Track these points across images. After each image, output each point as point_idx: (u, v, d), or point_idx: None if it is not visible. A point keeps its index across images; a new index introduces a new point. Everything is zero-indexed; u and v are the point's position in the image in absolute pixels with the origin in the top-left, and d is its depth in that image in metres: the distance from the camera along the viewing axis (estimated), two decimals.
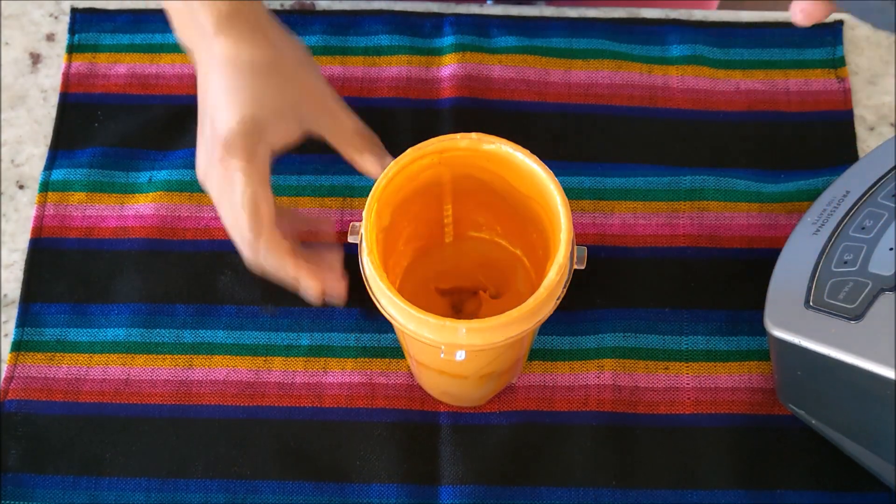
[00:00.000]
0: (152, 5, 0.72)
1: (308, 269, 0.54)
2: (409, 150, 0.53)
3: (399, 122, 0.68)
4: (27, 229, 0.65)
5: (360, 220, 0.51)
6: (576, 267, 0.51)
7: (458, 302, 0.60)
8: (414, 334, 0.49)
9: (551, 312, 0.50)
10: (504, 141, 0.52)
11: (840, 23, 0.71)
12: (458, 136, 0.53)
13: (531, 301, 0.48)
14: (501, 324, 0.48)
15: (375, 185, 0.51)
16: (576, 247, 0.51)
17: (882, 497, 0.58)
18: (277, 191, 0.66)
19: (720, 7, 0.81)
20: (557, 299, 0.50)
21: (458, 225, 0.60)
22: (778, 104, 0.69)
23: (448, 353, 0.50)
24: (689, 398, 0.60)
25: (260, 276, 0.63)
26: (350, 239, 0.52)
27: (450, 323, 0.48)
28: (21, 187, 0.67)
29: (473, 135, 0.53)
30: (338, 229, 0.65)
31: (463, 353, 0.49)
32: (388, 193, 0.52)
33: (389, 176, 0.52)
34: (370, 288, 0.51)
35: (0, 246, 0.65)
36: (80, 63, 0.70)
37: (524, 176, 0.53)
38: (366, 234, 0.50)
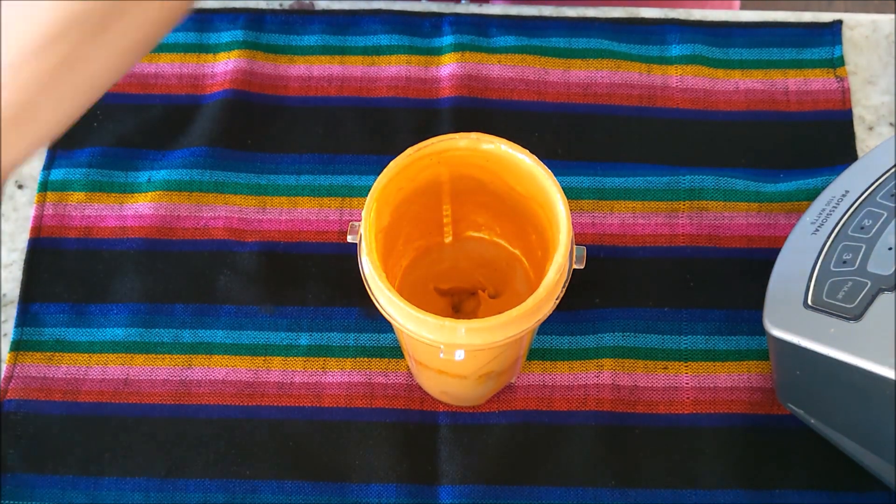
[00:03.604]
0: None
1: None
2: (408, 150, 0.53)
3: (398, 121, 0.68)
4: (26, 229, 0.65)
5: (360, 220, 0.51)
6: (575, 267, 0.51)
7: (457, 302, 0.60)
8: (413, 334, 0.49)
9: (550, 312, 0.50)
10: (503, 141, 0.52)
11: (839, 22, 0.71)
12: (458, 135, 0.53)
13: (530, 301, 0.48)
14: (500, 323, 0.48)
15: (374, 184, 0.51)
16: (575, 246, 0.51)
17: (882, 497, 0.58)
18: (276, 191, 0.66)
19: (719, 7, 0.80)
20: (556, 299, 0.50)
21: (457, 225, 0.60)
22: (777, 104, 0.69)
23: (447, 352, 0.50)
24: (688, 398, 0.60)
25: (259, 276, 0.63)
26: (349, 239, 0.52)
27: (449, 323, 0.48)
28: (20, 187, 0.67)
29: (472, 135, 0.53)
30: (336, 229, 0.65)
31: (462, 352, 0.49)
32: (388, 193, 0.52)
33: (389, 176, 0.52)
34: (369, 288, 0.51)
35: None
36: None
37: (523, 176, 0.53)
38: (365, 234, 0.50)
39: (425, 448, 0.59)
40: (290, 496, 0.58)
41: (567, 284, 0.50)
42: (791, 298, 0.54)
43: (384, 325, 0.62)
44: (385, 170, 0.52)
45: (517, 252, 0.59)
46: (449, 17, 0.72)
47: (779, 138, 0.68)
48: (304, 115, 0.69)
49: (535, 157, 0.52)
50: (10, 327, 0.63)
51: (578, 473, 0.58)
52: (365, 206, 0.51)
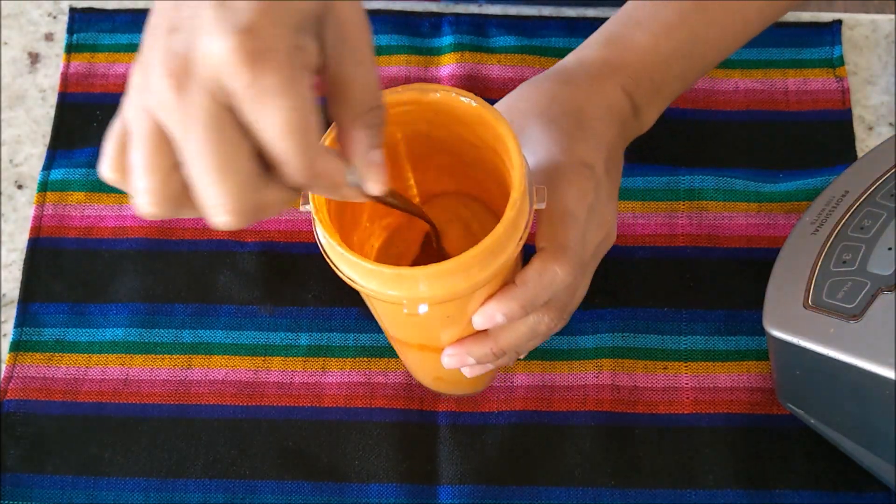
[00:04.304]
0: (151, 5, 0.72)
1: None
2: None
3: None
4: (26, 229, 0.65)
5: None
6: (536, 207, 0.48)
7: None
8: (374, 293, 0.45)
9: (515, 254, 0.47)
10: (448, 87, 0.48)
11: (839, 22, 0.71)
12: (400, 88, 0.48)
13: (488, 239, 0.44)
14: (460, 265, 0.44)
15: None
16: (535, 187, 0.48)
17: (881, 497, 0.58)
18: None
19: None
20: (520, 240, 0.46)
21: (423, 193, 0.57)
22: (777, 104, 0.69)
23: (411, 307, 0.46)
24: (687, 398, 0.60)
25: (259, 276, 0.63)
26: (301, 208, 0.46)
27: (406, 271, 0.44)
28: (20, 187, 0.67)
29: (415, 85, 0.48)
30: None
31: (425, 306, 0.46)
32: None
33: (332, 138, 0.46)
34: (326, 255, 0.47)
35: None
36: (79, 63, 0.70)
37: (473, 123, 0.49)
38: (314, 200, 0.46)
39: (425, 448, 0.59)
40: (290, 496, 0.58)
41: (530, 226, 0.47)
42: (791, 298, 0.54)
43: None
44: (327, 132, 0.46)
45: (485, 207, 0.56)
46: (448, 17, 0.72)
47: (779, 138, 0.68)
48: None
49: (481, 99, 0.48)
50: (9, 327, 0.63)
51: (578, 473, 0.58)
52: None
